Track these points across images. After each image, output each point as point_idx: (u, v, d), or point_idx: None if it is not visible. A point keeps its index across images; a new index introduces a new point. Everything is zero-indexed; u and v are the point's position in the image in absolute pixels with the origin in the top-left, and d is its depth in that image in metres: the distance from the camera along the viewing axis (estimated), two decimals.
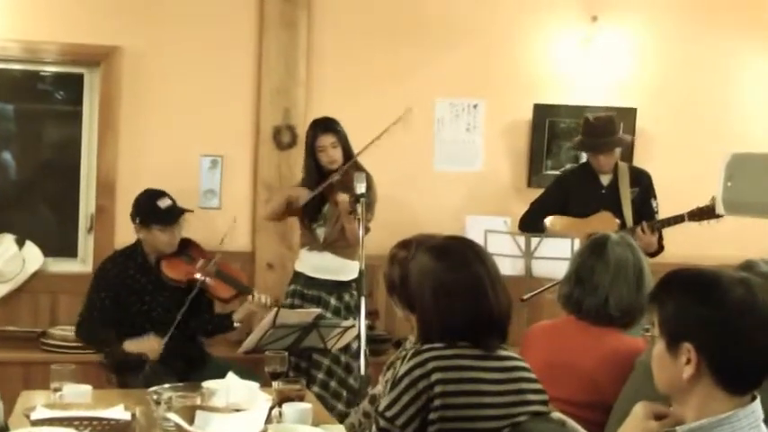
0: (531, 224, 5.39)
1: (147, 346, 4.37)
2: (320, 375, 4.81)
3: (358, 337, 4.07)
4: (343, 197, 4.62)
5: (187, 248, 4.67)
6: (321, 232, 4.97)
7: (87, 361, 4.59)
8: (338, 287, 4.93)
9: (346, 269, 4.91)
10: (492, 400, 2.53)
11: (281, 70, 5.64)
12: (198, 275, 4.52)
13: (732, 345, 1.89)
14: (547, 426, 2.58)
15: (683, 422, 1.95)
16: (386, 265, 3.20)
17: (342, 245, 4.89)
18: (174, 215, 4.56)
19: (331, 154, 4.87)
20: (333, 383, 4.81)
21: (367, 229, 4.23)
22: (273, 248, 5.66)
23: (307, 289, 4.95)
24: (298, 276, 5.02)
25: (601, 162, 5.34)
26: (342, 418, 3.73)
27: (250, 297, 4.59)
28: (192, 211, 4.73)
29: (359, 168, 4.71)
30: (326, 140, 4.87)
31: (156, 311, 4.50)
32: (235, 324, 4.63)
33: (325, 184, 4.82)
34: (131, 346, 4.39)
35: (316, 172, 4.91)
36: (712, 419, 1.91)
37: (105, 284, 4.52)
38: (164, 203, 4.55)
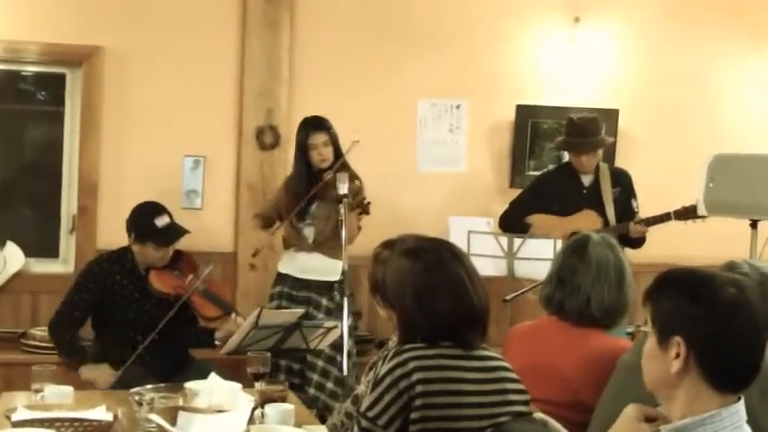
0: (511, 224, 5.40)
1: (100, 375, 4.33)
2: (315, 377, 4.81)
3: (341, 337, 4.07)
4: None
5: (178, 261, 4.58)
6: (309, 232, 4.96)
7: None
8: (328, 288, 4.92)
9: (334, 269, 4.90)
10: (474, 400, 2.53)
11: (263, 70, 5.64)
12: (185, 292, 4.44)
13: (721, 342, 1.92)
14: (529, 426, 2.58)
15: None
16: (370, 264, 3.20)
17: (332, 245, 4.85)
18: (171, 236, 4.47)
19: (323, 152, 4.88)
20: (329, 384, 4.80)
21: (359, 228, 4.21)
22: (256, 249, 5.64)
23: (295, 290, 4.94)
24: (283, 278, 5.00)
25: (583, 162, 5.35)
26: None
27: (231, 317, 4.51)
28: (189, 232, 4.60)
29: (347, 169, 4.74)
30: (319, 139, 4.88)
31: (140, 319, 4.45)
32: (216, 342, 4.55)
33: (320, 184, 4.79)
34: (86, 372, 4.36)
35: (306, 172, 4.91)
36: (696, 418, 1.93)
37: (89, 287, 4.46)
38: (161, 222, 4.45)
